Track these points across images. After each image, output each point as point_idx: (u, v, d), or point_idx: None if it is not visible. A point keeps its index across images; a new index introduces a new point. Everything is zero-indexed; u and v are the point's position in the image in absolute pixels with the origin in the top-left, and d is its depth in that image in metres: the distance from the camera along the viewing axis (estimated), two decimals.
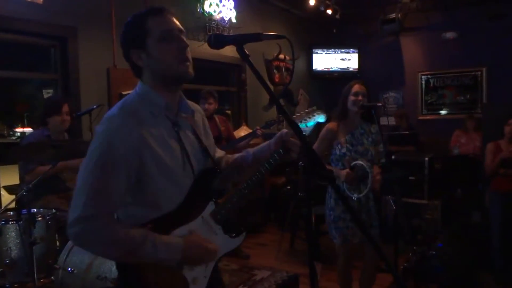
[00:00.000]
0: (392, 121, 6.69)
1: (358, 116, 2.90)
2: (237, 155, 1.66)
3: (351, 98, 2.84)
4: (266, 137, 5.58)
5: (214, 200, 1.43)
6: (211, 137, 1.62)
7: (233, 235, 1.46)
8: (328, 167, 2.88)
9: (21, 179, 3.16)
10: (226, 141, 4.41)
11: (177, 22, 1.38)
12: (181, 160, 1.37)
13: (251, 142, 4.56)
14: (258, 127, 4.40)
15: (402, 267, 3.44)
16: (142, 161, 1.27)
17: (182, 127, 1.42)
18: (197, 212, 1.40)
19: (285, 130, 1.51)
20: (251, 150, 1.63)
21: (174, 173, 1.34)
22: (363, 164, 2.72)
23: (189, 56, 1.37)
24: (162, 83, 1.37)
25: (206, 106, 4.21)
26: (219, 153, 1.69)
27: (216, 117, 4.43)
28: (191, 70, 1.36)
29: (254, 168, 1.50)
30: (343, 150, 2.84)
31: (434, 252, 3.49)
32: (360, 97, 2.83)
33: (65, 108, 3.24)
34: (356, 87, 2.85)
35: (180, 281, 1.33)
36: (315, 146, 2.94)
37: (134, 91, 1.39)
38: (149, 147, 1.28)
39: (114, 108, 1.33)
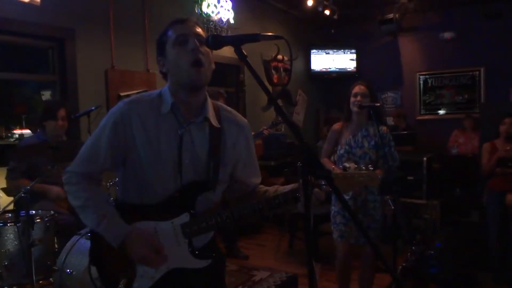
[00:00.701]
0: (390, 121, 6.71)
1: (363, 117, 2.91)
2: (274, 187, 1.55)
3: (352, 99, 2.89)
4: (269, 138, 5.60)
5: (191, 212, 1.39)
6: (243, 155, 1.52)
7: (196, 253, 1.41)
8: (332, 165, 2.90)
9: (6, 180, 3.13)
10: None
11: (197, 28, 1.41)
12: (171, 164, 1.39)
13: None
14: (265, 127, 4.45)
15: (400, 266, 3.44)
16: (129, 152, 1.40)
17: (191, 132, 1.41)
18: (170, 216, 1.39)
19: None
20: (282, 188, 1.51)
21: (160, 173, 1.39)
22: (350, 167, 2.73)
23: (202, 59, 1.36)
24: (179, 88, 1.42)
25: None
26: (256, 179, 1.58)
27: None
28: (203, 75, 1.38)
29: (251, 201, 1.41)
30: (341, 151, 2.91)
31: (432, 252, 3.50)
32: (358, 98, 2.84)
33: (61, 112, 3.20)
34: (355, 88, 2.89)
35: (131, 268, 1.38)
36: (324, 147, 3.08)
37: (162, 88, 1.48)
38: (137, 145, 1.38)
39: (134, 96, 1.47)
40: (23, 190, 2.56)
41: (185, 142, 1.39)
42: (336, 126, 3.03)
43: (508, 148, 3.85)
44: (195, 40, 1.37)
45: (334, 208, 2.95)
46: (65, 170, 1.45)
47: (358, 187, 1.42)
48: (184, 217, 1.39)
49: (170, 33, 1.40)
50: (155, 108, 1.40)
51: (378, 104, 2.89)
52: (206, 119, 1.44)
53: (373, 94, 2.91)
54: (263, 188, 1.58)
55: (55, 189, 3.10)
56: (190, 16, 1.46)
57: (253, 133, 4.60)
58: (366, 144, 2.85)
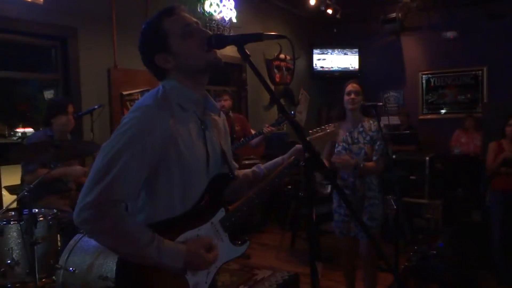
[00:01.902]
0: (394, 120, 6.72)
1: (358, 114, 2.95)
2: (248, 170, 1.64)
3: (345, 97, 2.95)
4: (270, 137, 5.57)
5: (225, 207, 1.41)
6: (229, 141, 1.59)
7: (239, 243, 1.45)
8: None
9: (22, 179, 3.17)
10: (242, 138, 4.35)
11: (190, 16, 1.37)
12: (203, 162, 1.36)
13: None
14: (267, 125, 4.28)
15: (403, 266, 3.44)
16: (166, 158, 1.26)
17: (207, 126, 1.40)
18: (207, 217, 1.38)
19: (300, 146, 1.50)
20: (262, 165, 1.62)
21: (193, 175, 1.33)
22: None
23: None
24: (192, 78, 1.36)
25: (222, 102, 4.16)
26: (234, 162, 1.64)
27: (232, 115, 4.36)
28: (219, 56, 1.35)
29: (266, 179, 1.50)
30: (339, 149, 2.97)
31: (434, 252, 3.49)
32: (352, 96, 2.91)
33: (70, 108, 3.26)
34: (348, 87, 2.95)
35: (182, 284, 1.30)
36: (324, 149, 3.08)
37: (163, 85, 1.35)
38: (177, 144, 1.27)
39: (149, 98, 1.31)
40: (26, 188, 2.57)
41: (207, 136, 1.39)
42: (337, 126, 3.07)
43: None
44: (201, 27, 1.35)
45: (333, 206, 3.05)
46: (80, 206, 1.17)
47: (330, 141, 1.70)
48: (221, 213, 1.40)
49: (168, 26, 1.32)
50: (177, 108, 1.32)
51: (381, 103, 2.96)
52: (219, 111, 1.48)
53: (365, 92, 2.97)
54: (241, 171, 1.65)
55: (76, 169, 3.15)
56: (180, 5, 1.41)
57: (254, 131, 4.59)
58: (361, 140, 2.90)
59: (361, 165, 2.79)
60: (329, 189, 4.29)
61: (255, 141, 4.34)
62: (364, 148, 2.87)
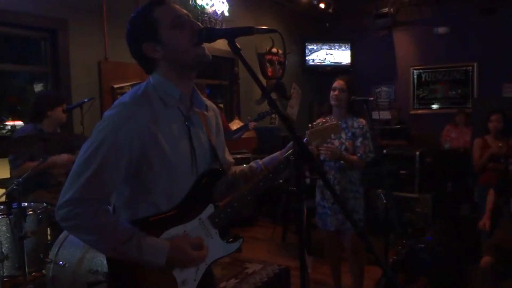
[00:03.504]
0: (384, 115, 6.76)
1: (343, 110, 2.97)
2: (245, 165, 1.63)
3: (331, 93, 2.98)
4: (262, 131, 5.60)
5: (214, 203, 1.39)
6: (222, 136, 1.58)
7: (230, 240, 1.43)
8: None
9: (10, 173, 3.14)
10: None
11: (181, 8, 1.35)
12: (188, 159, 1.34)
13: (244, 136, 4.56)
14: (250, 120, 4.43)
15: (392, 260, 3.48)
16: (146, 154, 1.25)
17: (193, 122, 1.38)
18: (195, 213, 1.36)
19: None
20: (260, 161, 1.61)
21: (178, 171, 1.31)
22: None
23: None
24: (178, 72, 1.33)
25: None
26: (229, 156, 1.64)
27: None
28: (207, 52, 1.33)
29: (260, 175, 1.47)
30: None
31: (423, 245, 3.53)
32: (336, 92, 2.93)
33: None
34: (335, 83, 2.98)
35: (170, 281, 1.30)
36: None
37: (148, 81, 1.35)
38: (157, 141, 1.25)
39: (127, 95, 1.30)
40: (15, 182, 2.55)
41: (193, 135, 1.37)
42: (318, 121, 3.06)
43: (500, 144, 3.89)
44: (192, 19, 1.33)
45: (316, 199, 3.09)
46: (59, 203, 1.19)
47: (329, 138, 1.70)
48: (209, 209, 1.38)
49: (158, 15, 1.29)
50: (160, 104, 1.30)
51: (372, 98, 2.99)
52: (207, 107, 1.45)
53: (352, 88, 2.96)
54: (238, 167, 1.64)
55: (63, 157, 3.10)
56: None
57: (239, 126, 4.62)
58: (343, 136, 2.93)
59: (346, 157, 2.82)
60: (308, 180, 4.37)
61: (238, 135, 4.51)
62: (346, 143, 2.91)
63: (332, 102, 2.96)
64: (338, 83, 2.95)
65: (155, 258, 1.23)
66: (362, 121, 2.94)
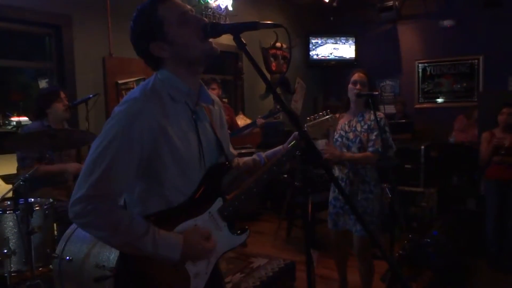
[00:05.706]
0: (390, 109, 6.73)
1: (360, 105, 2.91)
2: (248, 158, 1.65)
3: (350, 86, 2.89)
4: (266, 126, 5.60)
5: (222, 196, 1.41)
6: (226, 130, 1.59)
7: (238, 232, 1.45)
8: None
9: (17, 170, 3.15)
10: (229, 130, 4.40)
11: (184, 3, 1.35)
12: (196, 153, 1.34)
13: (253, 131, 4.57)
14: (259, 117, 4.41)
15: (397, 254, 3.48)
16: (157, 150, 1.24)
17: (200, 117, 1.39)
18: (205, 207, 1.37)
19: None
20: (263, 154, 1.63)
21: (188, 166, 1.31)
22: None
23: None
24: (186, 68, 1.33)
25: (210, 91, 4.18)
26: (233, 149, 1.65)
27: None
28: (215, 45, 1.33)
29: (264, 168, 1.49)
30: (336, 136, 2.94)
31: (429, 240, 3.53)
32: (358, 86, 2.84)
33: (62, 94, 3.24)
34: (355, 76, 2.89)
35: (183, 275, 1.31)
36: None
37: (155, 76, 1.34)
38: (167, 136, 1.25)
39: (137, 90, 1.30)
40: (22, 178, 2.57)
41: (200, 129, 1.37)
42: (336, 115, 3.03)
43: (503, 136, 3.86)
44: (197, 15, 1.33)
45: (330, 198, 3.01)
46: (72, 200, 1.18)
47: (326, 131, 1.70)
48: (218, 203, 1.39)
49: (163, 13, 1.28)
50: (168, 99, 1.30)
51: (377, 93, 2.92)
52: (213, 102, 1.47)
53: (371, 82, 2.92)
54: (241, 159, 1.66)
55: (73, 165, 3.12)
56: None
57: (243, 121, 4.61)
58: (359, 128, 2.87)
59: (347, 157, 2.77)
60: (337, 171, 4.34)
61: (247, 131, 4.47)
62: (360, 136, 2.84)
63: (353, 96, 2.86)
64: (359, 76, 2.86)
65: (170, 252, 1.24)
66: (381, 114, 2.85)
